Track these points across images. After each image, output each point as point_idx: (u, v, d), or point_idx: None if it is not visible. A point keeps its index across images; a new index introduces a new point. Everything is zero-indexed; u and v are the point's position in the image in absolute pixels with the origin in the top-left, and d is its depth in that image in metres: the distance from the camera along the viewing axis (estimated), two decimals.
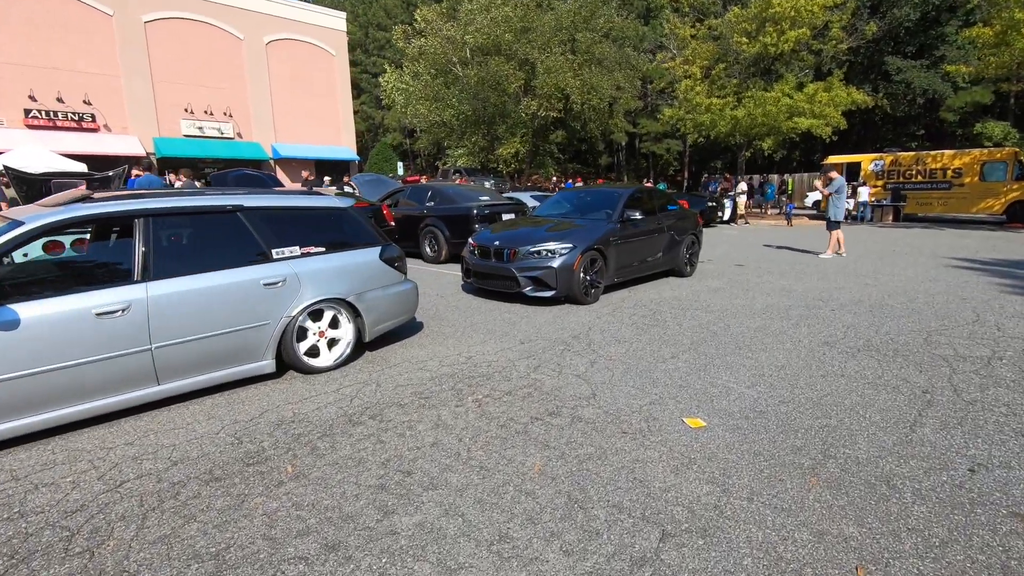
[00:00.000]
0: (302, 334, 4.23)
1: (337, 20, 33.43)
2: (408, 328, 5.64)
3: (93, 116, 24.46)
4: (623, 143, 41.22)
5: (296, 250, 4.19)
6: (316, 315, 4.31)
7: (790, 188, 31.03)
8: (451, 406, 3.73)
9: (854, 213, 19.69)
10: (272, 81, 30.16)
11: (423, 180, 27.62)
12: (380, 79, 32.02)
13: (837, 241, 10.83)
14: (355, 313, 4.47)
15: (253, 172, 10.62)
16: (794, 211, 24.57)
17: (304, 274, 4.15)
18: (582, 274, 6.51)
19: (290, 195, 4.43)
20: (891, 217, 19.92)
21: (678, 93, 22.01)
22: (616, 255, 7.01)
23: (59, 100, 23.53)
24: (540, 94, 26.10)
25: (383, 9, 52.66)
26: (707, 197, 18.88)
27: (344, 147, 33.67)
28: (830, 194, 10.78)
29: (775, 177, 29.50)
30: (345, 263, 4.42)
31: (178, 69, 26.74)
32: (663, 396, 3.84)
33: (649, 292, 7.44)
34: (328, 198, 4.70)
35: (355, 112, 53.19)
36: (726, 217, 19.98)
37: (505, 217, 9.70)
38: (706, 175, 25.24)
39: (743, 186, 20.42)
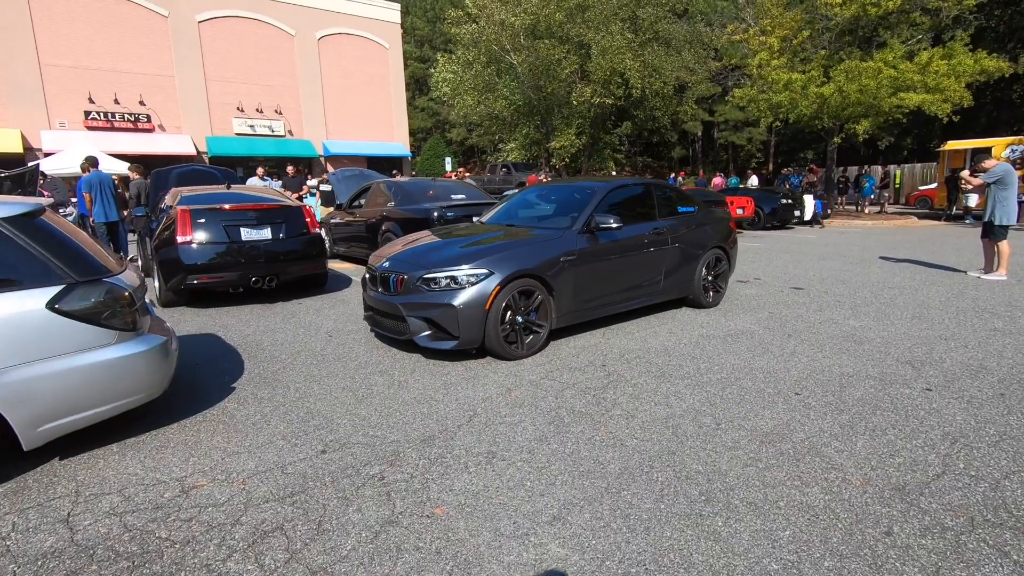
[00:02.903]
0: None
1: (391, 12, 32.46)
2: (175, 405, 3.70)
3: (148, 116, 24.87)
4: (698, 133, 37.36)
5: None
6: None
7: (897, 181, 26.25)
8: None
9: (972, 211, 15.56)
10: (323, 77, 29.66)
11: (466, 176, 25.94)
12: (432, 70, 30.74)
13: (999, 255, 7.57)
14: None
15: (204, 168, 9.23)
16: (880, 201, 20.37)
17: None
18: (506, 314, 4.26)
19: None
20: None
21: (750, 69, 18.60)
22: (576, 282, 4.68)
23: (116, 102, 24.06)
24: (594, 79, 23.46)
25: (451, 2, 51.62)
26: (780, 193, 15.57)
27: (397, 143, 32.74)
28: (987, 185, 7.56)
29: (877, 169, 24.91)
30: None
31: (230, 67, 26.75)
32: None
33: (630, 336, 5.03)
34: None
35: (422, 108, 52.79)
36: (807, 217, 16.53)
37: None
38: (787, 167, 21.45)
39: (754, 180, 16.92)
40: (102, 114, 23.77)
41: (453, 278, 4.16)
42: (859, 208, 20.96)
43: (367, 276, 4.71)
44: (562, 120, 26.57)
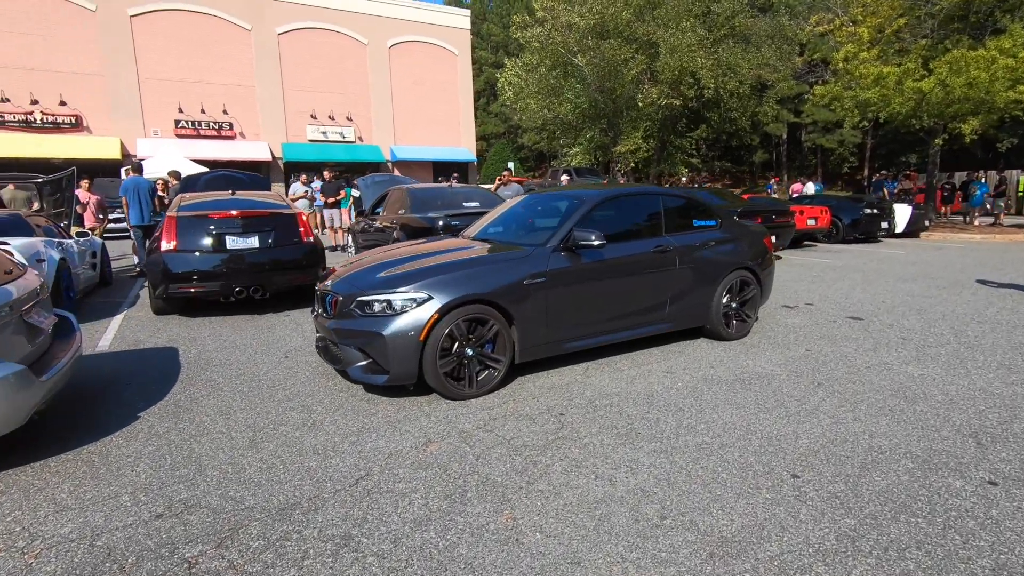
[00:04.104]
0: None
1: (461, 19, 32.69)
2: (60, 437, 3.35)
3: (231, 124, 26.41)
4: (782, 135, 34.64)
5: None
6: None
7: (1021, 189, 22.84)
8: None
9: None
10: (394, 84, 30.28)
11: (509, 180, 25.38)
12: (498, 74, 30.53)
13: None
14: None
15: (233, 173, 9.27)
16: (994, 211, 17.55)
17: None
18: (453, 345, 3.62)
19: None
20: None
21: (835, 63, 16.69)
22: (549, 309, 3.95)
23: (202, 111, 25.73)
24: (662, 79, 22.17)
25: (525, 8, 51.53)
26: (863, 202, 13.73)
27: (463, 148, 32.87)
28: None
29: (992, 174, 21.72)
30: None
31: (306, 77, 27.90)
32: None
33: (617, 373, 4.21)
34: None
35: (495, 113, 53.02)
36: (899, 229, 14.52)
37: None
38: (880, 172, 18.98)
39: (811, 187, 15.00)
40: (190, 123, 25.49)
41: (389, 302, 3.57)
42: (967, 219, 18.27)
43: (316, 295, 4.23)
44: (629, 123, 25.42)
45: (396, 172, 30.36)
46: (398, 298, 3.56)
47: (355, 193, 11.46)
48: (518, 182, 23.34)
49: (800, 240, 13.08)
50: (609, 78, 23.76)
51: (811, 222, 12.45)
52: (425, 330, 3.50)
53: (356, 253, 9.90)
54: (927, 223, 15.57)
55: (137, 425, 3.39)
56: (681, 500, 2.52)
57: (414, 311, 3.52)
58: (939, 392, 3.81)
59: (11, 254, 5.17)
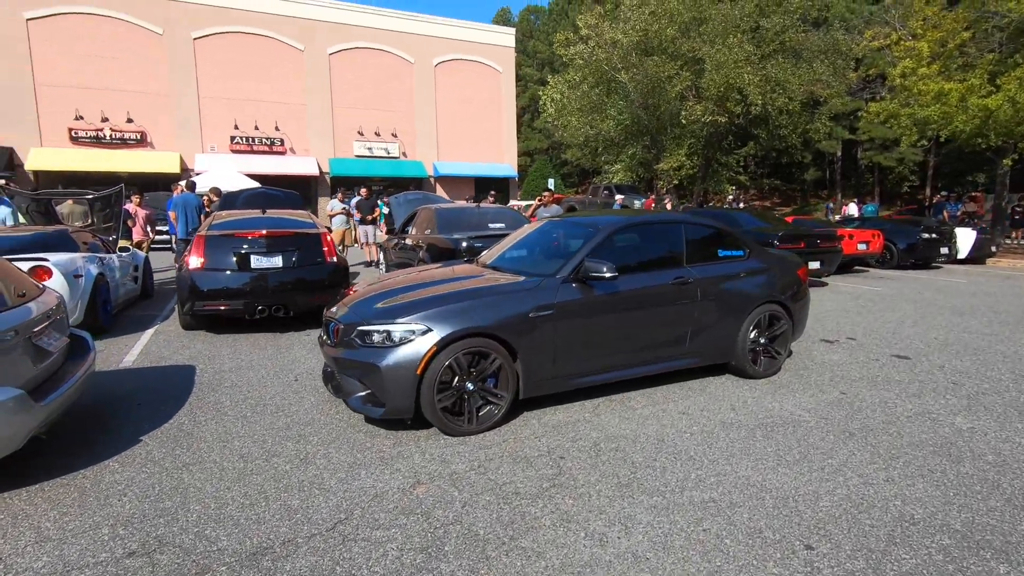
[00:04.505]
0: None
1: (506, 37, 33.08)
2: (59, 461, 3.39)
3: (282, 140, 27.47)
4: (837, 153, 33.26)
5: None
6: None
7: None
8: None
9: None
10: (438, 101, 30.86)
11: (549, 200, 25.26)
12: (541, 91, 30.64)
13: None
14: None
15: (272, 191, 9.53)
16: None
17: None
18: (454, 379, 3.50)
19: None
20: None
21: (892, 79, 15.87)
22: (557, 343, 3.79)
23: (256, 128, 26.87)
24: (707, 96, 21.68)
25: (572, 25, 51.82)
26: (921, 225, 12.90)
27: (505, 164, 33.09)
28: None
29: None
30: None
31: (354, 95, 28.77)
32: None
33: (629, 412, 3.98)
34: None
35: (539, 130, 53.28)
36: (961, 255, 13.57)
37: None
38: (941, 194, 17.78)
39: (854, 208, 14.07)
40: (244, 139, 26.65)
41: (388, 333, 3.49)
42: None
43: (323, 321, 4.20)
44: (673, 140, 24.98)
45: (439, 188, 30.84)
46: (397, 329, 3.47)
47: (386, 210, 11.59)
48: (556, 200, 23.26)
49: (850, 265, 12.39)
50: (653, 95, 23.44)
51: (862, 246, 11.77)
52: (423, 363, 3.39)
53: (386, 270, 10.00)
54: (994, 249, 14.50)
55: (136, 450, 3.41)
56: (675, 570, 2.29)
57: (412, 343, 3.42)
58: (990, 451, 3.42)
59: (48, 271, 5.40)
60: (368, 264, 12.61)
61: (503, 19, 58.61)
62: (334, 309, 4.00)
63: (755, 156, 33.83)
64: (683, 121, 22.73)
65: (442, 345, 3.43)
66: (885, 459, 3.30)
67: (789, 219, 13.01)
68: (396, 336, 3.46)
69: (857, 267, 12.95)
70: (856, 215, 17.40)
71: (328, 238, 6.58)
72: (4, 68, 22.36)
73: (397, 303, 3.69)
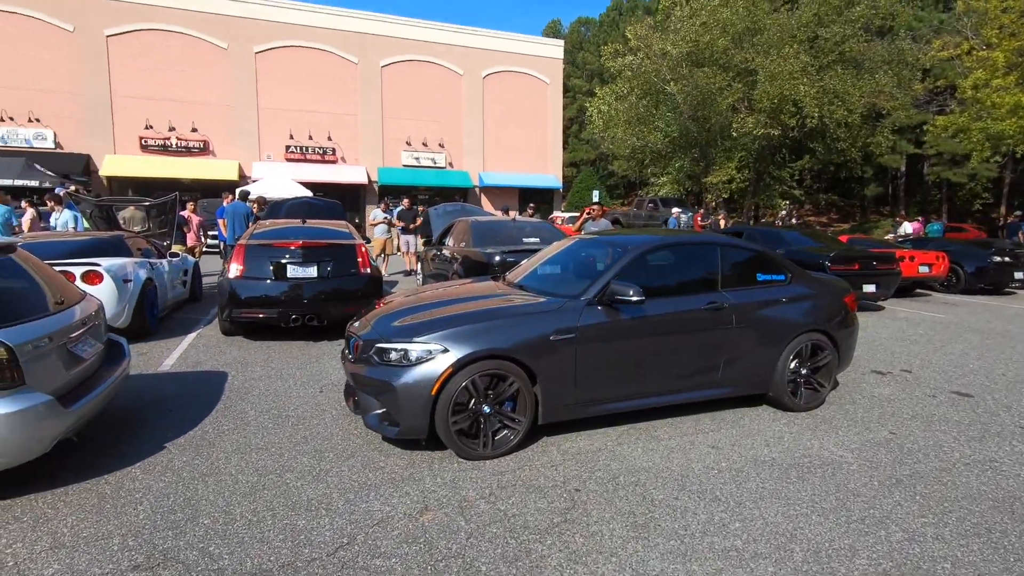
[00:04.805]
0: None
1: (555, 49, 33.16)
2: (88, 464, 3.48)
3: (334, 150, 28.35)
4: (900, 168, 31.57)
5: None
6: None
7: None
8: None
9: None
10: (485, 112, 31.17)
11: (607, 209, 24.91)
12: (588, 103, 30.49)
13: None
14: None
15: (314, 200, 9.78)
16: None
17: None
18: (470, 401, 3.42)
19: None
20: None
21: (962, 91, 14.91)
22: (579, 368, 3.66)
23: (309, 137, 27.84)
24: (759, 108, 21.02)
25: (622, 37, 51.52)
26: (992, 247, 11.99)
27: (550, 175, 33.05)
28: None
29: None
30: None
31: (403, 106, 29.43)
32: None
33: (655, 443, 3.79)
34: None
35: (586, 141, 53.07)
36: None
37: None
38: (1016, 213, 16.40)
39: (907, 227, 13.33)
40: (298, 148, 27.64)
41: (405, 352, 3.45)
42: None
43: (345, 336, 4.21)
44: (722, 152, 24.33)
45: (483, 197, 31.08)
46: (415, 348, 3.43)
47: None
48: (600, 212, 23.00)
49: (911, 288, 11.64)
50: (702, 106, 22.95)
51: (924, 269, 11.02)
52: (437, 384, 3.33)
53: (423, 282, 10.07)
54: None
55: (159, 457, 3.48)
56: None
57: (428, 363, 3.36)
58: None
59: (99, 275, 5.66)
60: (407, 273, 12.75)
61: (553, 31, 58.92)
62: (356, 324, 4.00)
63: (811, 170, 32.56)
64: (734, 133, 22.14)
65: (458, 366, 3.36)
66: (936, 513, 3.00)
67: (843, 238, 12.36)
68: (413, 355, 3.41)
69: (919, 290, 12.16)
70: (911, 232, 16.39)
71: (363, 249, 6.66)
72: (86, 81, 24.04)
73: (416, 321, 3.65)
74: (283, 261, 6.18)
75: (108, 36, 24.32)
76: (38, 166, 20.53)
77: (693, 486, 3.23)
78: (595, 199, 30.07)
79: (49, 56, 23.48)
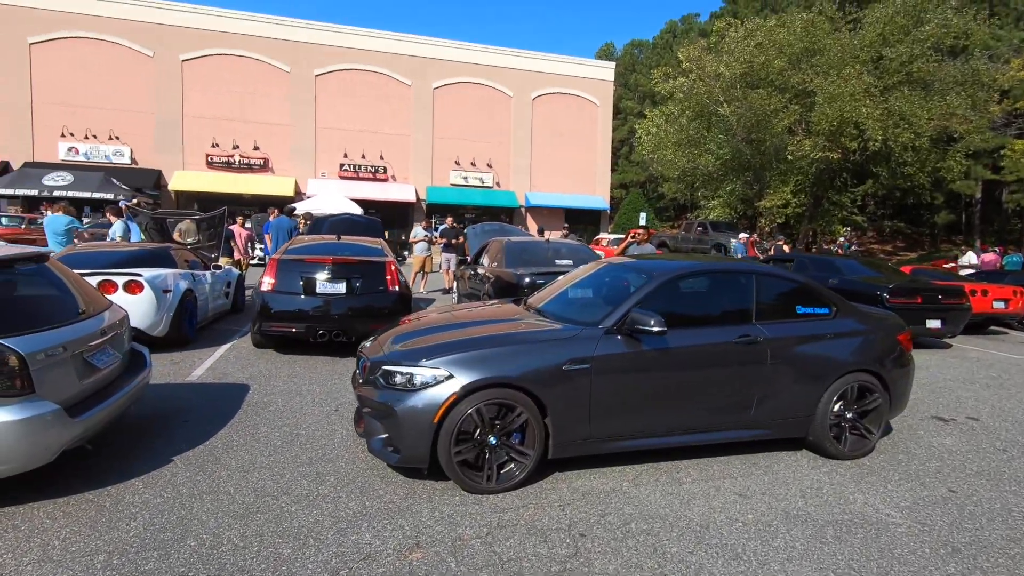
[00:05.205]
0: None
1: (605, 71, 33.16)
2: (93, 475, 3.49)
3: (385, 168, 29.15)
4: (974, 194, 29.54)
5: None
6: None
7: None
8: None
9: None
10: (534, 133, 31.39)
11: (653, 232, 24.33)
12: (637, 124, 30.16)
13: None
14: None
15: (355, 217, 9.95)
16: None
17: None
18: (474, 430, 3.26)
19: None
20: None
21: None
22: (594, 400, 3.44)
23: (363, 156, 28.75)
24: (817, 130, 20.17)
25: (675, 59, 51.05)
26: None
27: (597, 197, 32.82)
28: None
29: None
30: None
31: (453, 126, 30.01)
32: None
33: (674, 486, 3.49)
34: None
35: (636, 163, 52.57)
36: None
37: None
38: None
39: (971, 257, 12.06)
40: (352, 166, 28.58)
41: (411, 377, 3.32)
42: None
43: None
44: (777, 176, 23.43)
45: (529, 218, 31.12)
46: (420, 373, 3.30)
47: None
48: (647, 236, 22.47)
49: (984, 325, 10.69)
50: (757, 128, 22.25)
51: (999, 304, 10.10)
52: (440, 411, 3.18)
53: (458, 300, 10.02)
54: None
55: (164, 470, 3.47)
56: None
57: (432, 389, 3.23)
58: None
59: (140, 285, 5.86)
60: (446, 291, 12.77)
61: (607, 53, 58.98)
62: (368, 344, 3.92)
63: (875, 196, 30.93)
64: (789, 156, 21.30)
65: (463, 394, 3.21)
66: None
67: (906, 269, 11.53)
68: (418, 380, 3.28)
69: (994, 328, 11.15)
70: (977, 263, 15.15)
71: (392, 267, 6.65)
72: (162, 101, 25.75)
73: (425, 345, 3.53)
74: (313, 276, 6.23)
75: (183, 60, 26.01)
76: (114, 180, 21.97)
77: (712, 539, 2.93)
78: (642, 222, 29.59)
79: (130, 79, 25.31)
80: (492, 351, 3.37)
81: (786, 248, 17.26)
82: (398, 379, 3.35)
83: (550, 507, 3.20)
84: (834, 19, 22.73)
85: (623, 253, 9.56)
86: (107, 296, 5.80)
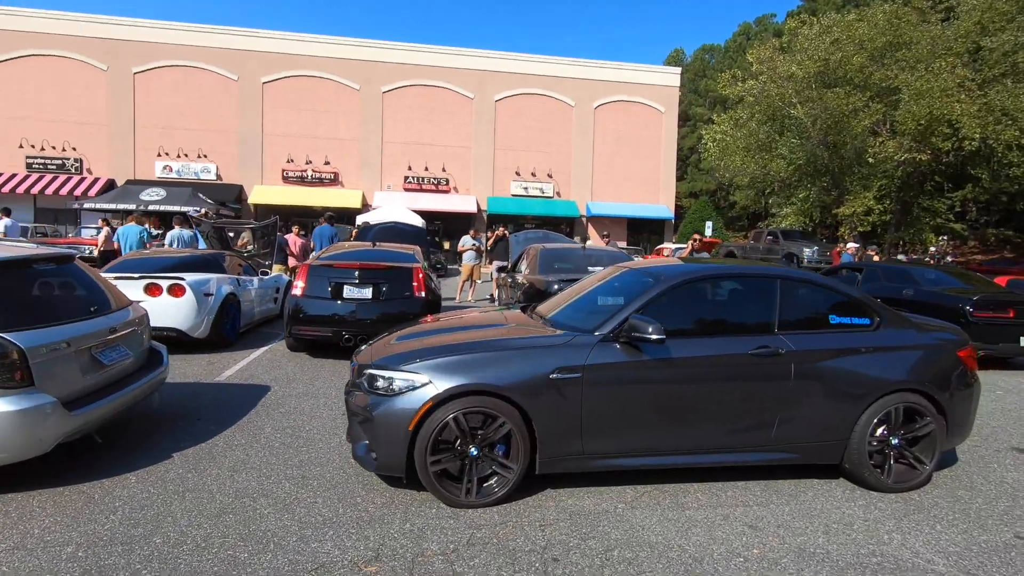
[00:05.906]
0: None
1: (671, 77, 32.25)
2: (94, 466, 3.59)
3: (447, 180, 29.76)
4: None
5: None
6: None
7: None
8: None
9: None
10: (595, 142, 30.99)
11: (718, 242, 23.18)
12: (703, 131, 29.04)
13: None
14: None
15: (401, 225, 10.09)
16: None
17: None
18: (454, 440, 3.10)
19: None
20: None
21: None
22: (586, 413, 3.19)
23: (426, 169, 29.51)
24: (903, 130, 18.55)
25: (747, 61, 49.02)
26: None
27: (661, 206, 31.83)
28: None
29: None
30: None
31: (514, 137, 30.19)
32: None
33: (676, 512, 3.15)
34: None
35: (705, 170, 50.76)
36: None
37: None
38: None
39: None
40: (415, 179, 29.39)
41: (391, 381, 3.21)
42: None
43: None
44: (858, 181, 21.71)
45: (590, 227, 30.68)
46: (399, 377, 3.18)
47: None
48: (711, 244, 21.42)
49: None
50: (834, 130, 20.79)
51: None
52: (416, 418, 3.04)
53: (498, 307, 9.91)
54: None
55: (160, 466, 3.55)
56: None
57: (408, 395, 3.10)
58: None
59: (183, 288, 6.15)
60: (491, 300, 12.71)
61: (676, 60, 57.57)
62: (362, 349, 3.86)
63: (976, 201, 28.07)
64: (871, 159, 19.70)
65: (440, 401, 3.05)
66: None
67: (1002, 280, 10.23)
68: (396, 385, 3.17)
69: None
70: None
71: (420, 274, 6.63)
72: (246, 122, 27.68)
73: (410, 349, 3.41)
74: (341, 282, 6.32)
75: (264, 83, 27.84)
76: (200, 195, 23.76)
77: (703, 575, 2.59)
78: (708, 231, 28.35)
79: (217, 101, 27.39)
80: (474, 357, 3.20)
81: (876, 258, 15.86)
82: (379, 383, 3.25)
83: (529, 526, 2.97)
84: (923, 10, 20.92)
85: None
86: (152, 298, 6.17)
